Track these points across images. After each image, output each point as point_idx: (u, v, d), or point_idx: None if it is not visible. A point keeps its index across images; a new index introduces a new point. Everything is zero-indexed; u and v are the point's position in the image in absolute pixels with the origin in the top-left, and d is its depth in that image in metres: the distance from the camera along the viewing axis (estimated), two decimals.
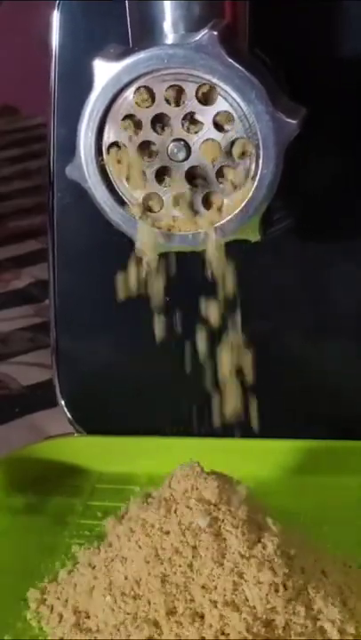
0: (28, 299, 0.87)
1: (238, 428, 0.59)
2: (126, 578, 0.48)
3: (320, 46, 0.56)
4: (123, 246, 0.53)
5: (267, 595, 0.46)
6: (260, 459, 0.55)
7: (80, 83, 0.50)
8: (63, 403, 0.64)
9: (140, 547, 0.48)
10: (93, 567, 0.50)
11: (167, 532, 0.48)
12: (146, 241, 0.51)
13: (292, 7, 0.55)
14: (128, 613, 0.47)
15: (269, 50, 0.54)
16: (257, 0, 0.52)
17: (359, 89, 0.56)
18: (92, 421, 0.64)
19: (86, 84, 0.50)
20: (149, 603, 0.47)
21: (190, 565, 0.47)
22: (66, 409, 0.64)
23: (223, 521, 0.48)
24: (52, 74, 0.58)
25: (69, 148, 0.50)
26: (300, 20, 0.56)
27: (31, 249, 0.96)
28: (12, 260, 0.95)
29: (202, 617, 0.46)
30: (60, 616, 0.49)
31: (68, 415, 0.64)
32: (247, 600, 0.46)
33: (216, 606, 0.46)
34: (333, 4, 0.55)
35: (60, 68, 0.58)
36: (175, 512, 0.48)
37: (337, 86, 0.56)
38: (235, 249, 0.52)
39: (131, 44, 0.51)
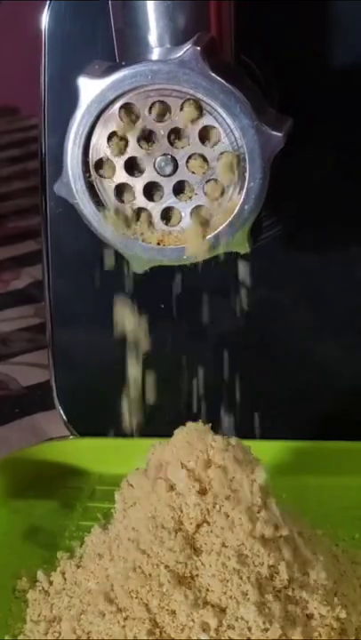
0: (28, 299, 0.87)
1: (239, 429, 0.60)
2: (125, 577, 0.48)
3: (309, 52, 0.56)
4: (116, 251, 0.52)
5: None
6: (260, 459, 0.56)
7: (69, 88, 0.50)
8: (60, 406, 0.64)
9: (137, 550, 0.48)
10: (92, 569, 0.51)
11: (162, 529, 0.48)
12: (134, 256, 0.51)
13: (281, 13, 0.55)
14: (127, 616, 0.47)
15: (258, 57, 0.54)
16: (245, 7, 0.51)
17: (348, 97, 0.57)
18: (89, 424, 0.64)
19: (75, 89, 0.49)
20: (147, 605, 0.47)
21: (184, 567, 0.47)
22: (62, 412, 0.64)
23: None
24: (42, 77, 0.58)
25: (60, 158, 0.50)
26: (289, 26, 0.56)
27: (31, 249, 0.96)
28: (11, 260, 0.95)
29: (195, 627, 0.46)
30: (60, 617, 0.49)
31: (64, 417, 0.64)
32: (242, 618, 0.46)
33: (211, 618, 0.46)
34: (322, 10, 0.55)
35: (50, 70, 0.58)
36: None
37: (326, 94, 0.57)
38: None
39: (116, 55, 0.51)
